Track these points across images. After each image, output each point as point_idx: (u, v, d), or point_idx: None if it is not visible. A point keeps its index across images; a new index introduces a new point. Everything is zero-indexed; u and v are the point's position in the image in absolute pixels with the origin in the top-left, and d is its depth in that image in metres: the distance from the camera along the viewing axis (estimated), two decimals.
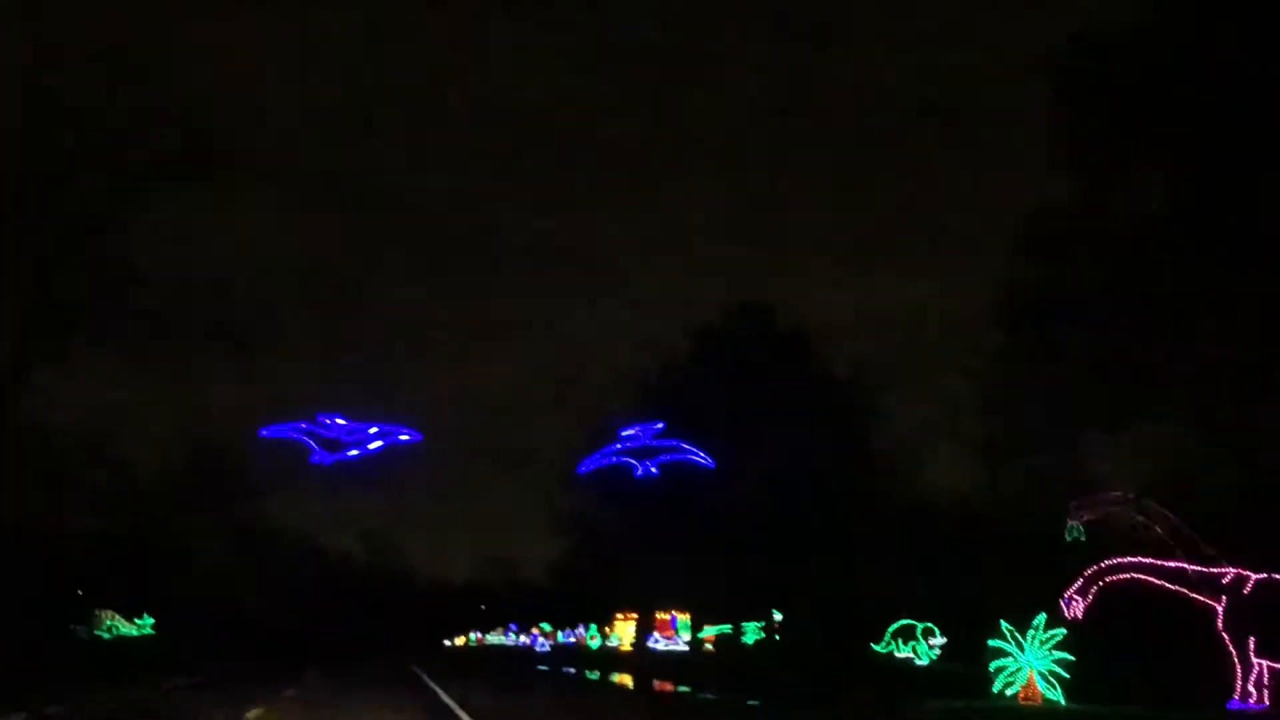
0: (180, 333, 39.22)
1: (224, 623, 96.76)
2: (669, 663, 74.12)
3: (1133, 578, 29.95)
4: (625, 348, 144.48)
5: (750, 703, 35.54)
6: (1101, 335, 33.26)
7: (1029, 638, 31.26)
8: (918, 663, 59.80)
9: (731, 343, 61.08)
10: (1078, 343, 33.92)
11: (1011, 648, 31.52)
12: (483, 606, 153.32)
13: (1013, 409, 36.52)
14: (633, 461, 35.25)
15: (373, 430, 34.62)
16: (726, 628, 72.76)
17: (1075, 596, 30.19)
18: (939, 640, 61.02)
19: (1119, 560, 30.32)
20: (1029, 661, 31.18)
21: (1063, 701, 30.32)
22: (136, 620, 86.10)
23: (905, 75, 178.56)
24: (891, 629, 62.00)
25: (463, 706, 25.86)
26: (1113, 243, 33.44)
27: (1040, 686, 30.90)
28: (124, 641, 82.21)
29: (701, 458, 37.16)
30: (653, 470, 35.21)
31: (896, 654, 61.38)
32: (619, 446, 35.79)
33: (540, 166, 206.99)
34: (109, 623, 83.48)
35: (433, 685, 38.83)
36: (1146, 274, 32.24)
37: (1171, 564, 29.58)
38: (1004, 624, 31.72)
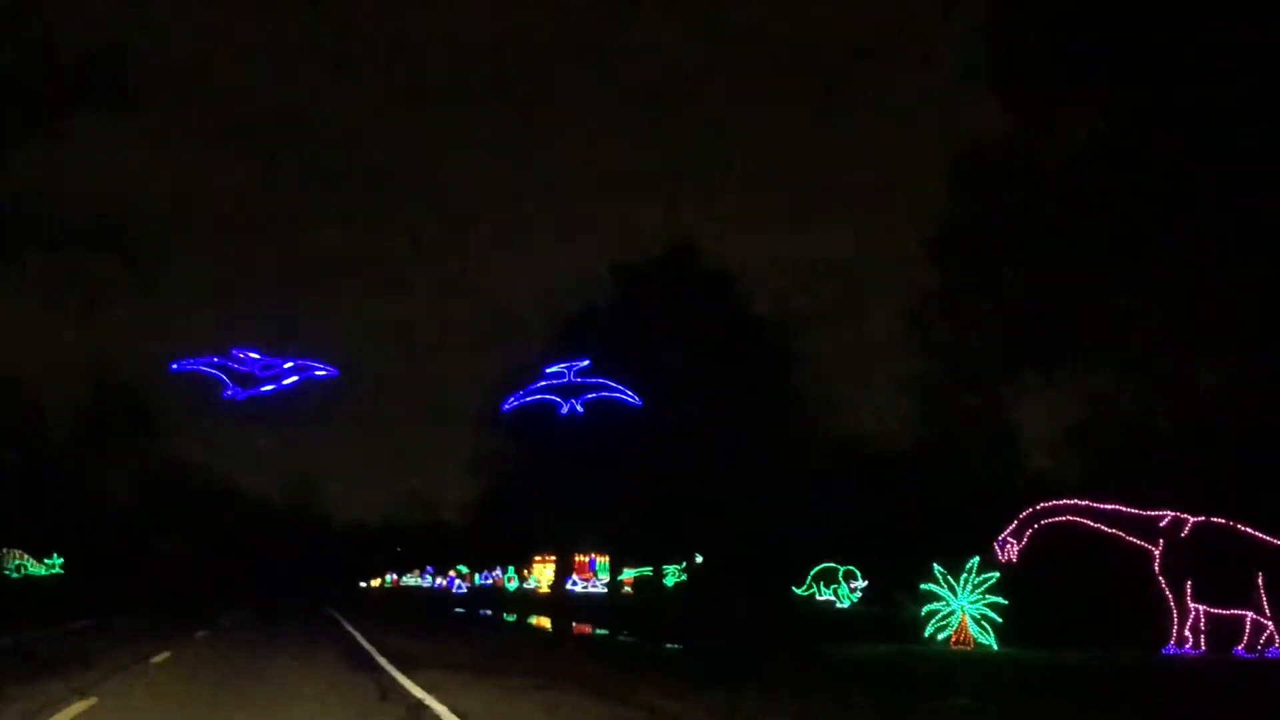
0: (88, 266, 37.29)
1: (137, 563, 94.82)
2: (587, 605, 73.41)
3: (1068, 520, 29.35)
4: (547, 289, 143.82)
5: (669, 647, 34.52)
6: (1034, 274, 32.48)
7: (961, 581, 30.53)
8: (839, 606, 59.60)
9: (655, 282, 59.89)
10: (1010, 281, 33.14)
11: (944, 591, 30.78)
12: (399, 549, 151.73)
13: (946, 349, 35.59)
14: (558, 399, 34.17)
15: (288, 365, 33.29)
16: (647, 570, 71.92)
17: (1009, 539, 29.54)
18: (860, 583, 60.80)
19: (1054, 503, 29.73)
20: (961, 605, 30.46)
21: (995, 646, 29.64)
22: (45, 560, 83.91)
23: (830, 18, 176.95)
24: (813, 572, 61.67)
25: (381, 651, 24.64)
26: (1046, 180, 32.62)
27: (973, 631, 30.23)
28: (31, 581, 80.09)
29: (628, 396, 36.13)
30: (578, 408, 34.14)
31: (818, 597, 61.19)
32: (544, 384, 34.63)
33: (463, 108, 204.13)
34: (16, 562, 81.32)
35: (350, 628, 37.53)
36: (1079, 212, 31.48)
37: (1108, 507, 29.00)
38: (936, 567, 30.97)
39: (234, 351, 33.08)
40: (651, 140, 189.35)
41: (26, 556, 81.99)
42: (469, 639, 33.25)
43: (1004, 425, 40.48)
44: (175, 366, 33.70)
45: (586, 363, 35.08)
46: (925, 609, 31.08)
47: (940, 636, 30.66)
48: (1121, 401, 34.30)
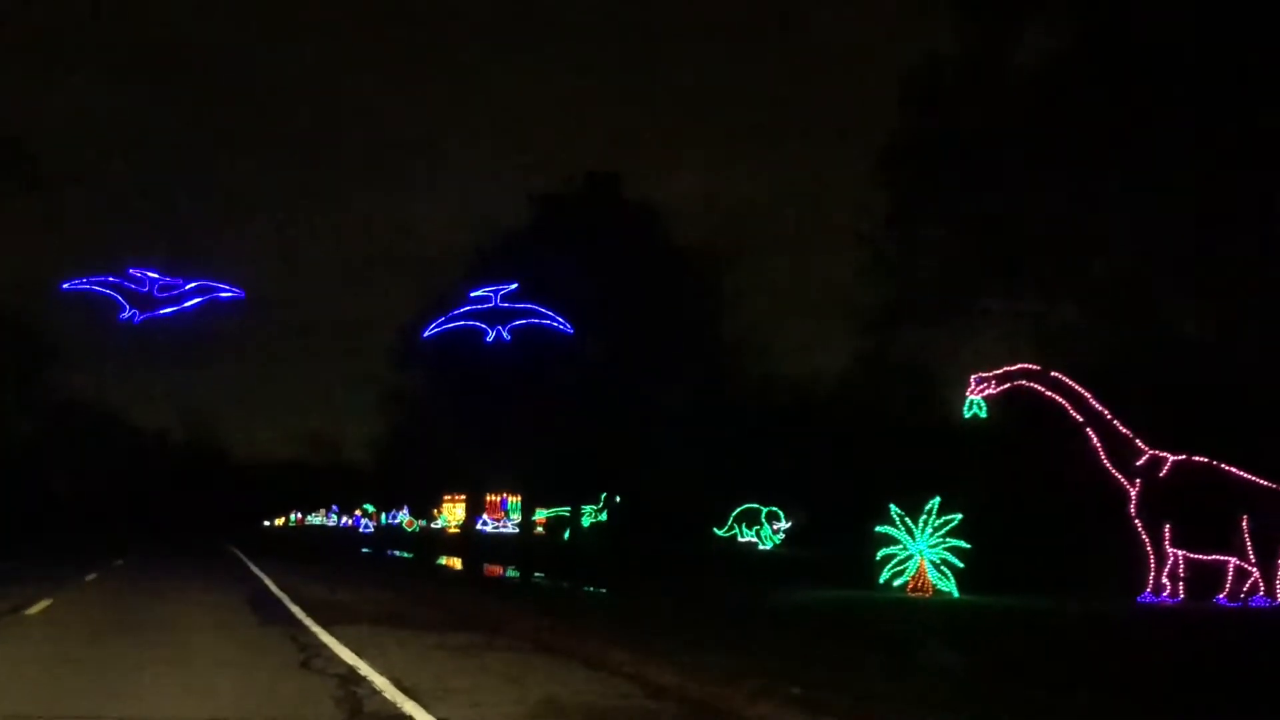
0: None
1: (29, 503, 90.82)
2: (500, 546, 70.88)
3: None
4: (465, 222, 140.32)
5: (596, 590, 31.96)
6: (990, 195, 30.19)
7: (920, 523, 28.15)
8: (761, 548, 57.80)
9: (576, 211, 57.11)
10: (967, 201, 30.86)
11: (900, 534, 28.39)
12: (303, 487, 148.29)
13: (897, 275, 33.16)
14: (483, 325, 31.27)
15: (190, 286, 30.04)
16: (563, 510, 69.27)
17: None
18: (783, 525, 58.90)
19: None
20: (920, 550, 28.11)
21: (956, 593, 27.36)
22: None
23: None
24: (734, 513, 59.72)
25: (295, 600, 21.83)
26: (1004, 95, 30.44)
27: (932, 577, 27.88)
28: None
29: (559, 323, 33.27)
30: (504, 335, 31.28)
31: (739, 538, 59.35)
32: (468, 309, 31.73)
33: (380, 41, 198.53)
34: None
35: (256, 571, 34.59)
36: (1040, 130, 29.35)
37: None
38: (893, 508, 28.54)
39: (130, 271, 29.79)
40: (581, 74, 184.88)
41: None
42: (388, 584, 30.36)
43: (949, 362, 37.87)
44: (66, 286, 30.30)
45: (514, 286, 32.16)
46: (881, 553, 28.65)
47: (896, 583, 28.30)
48: (1087, 335, 31.99)
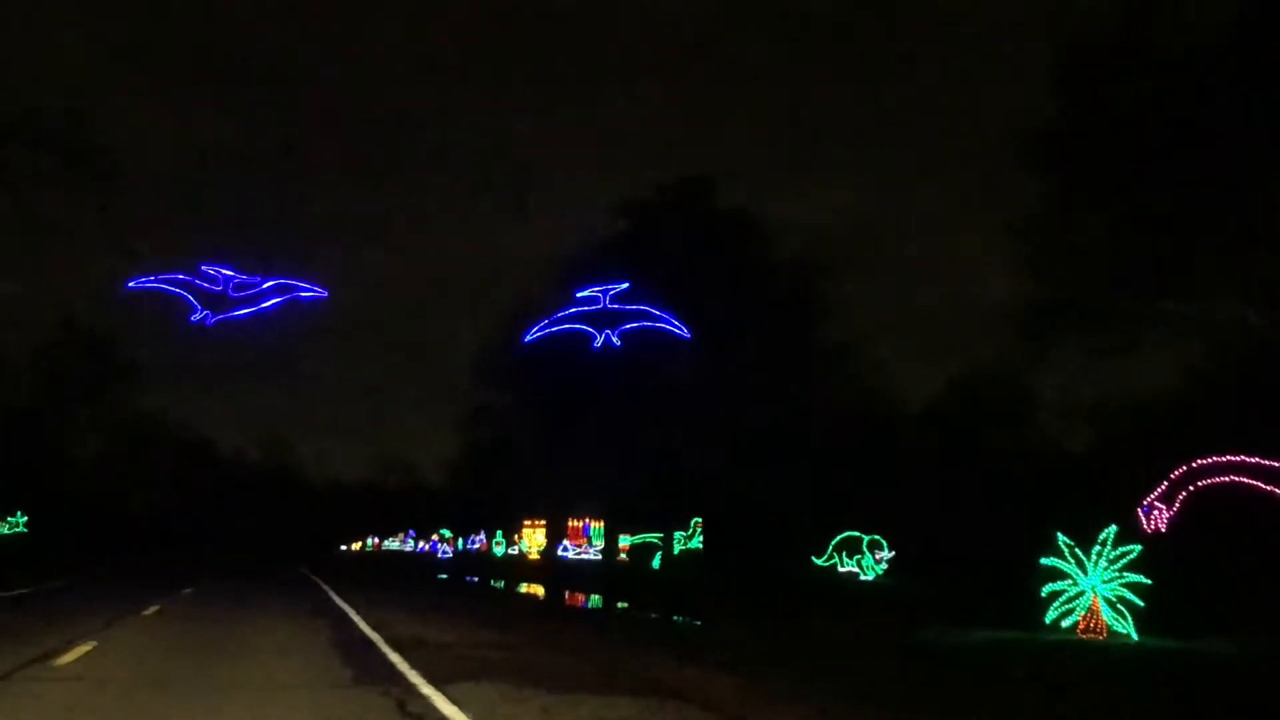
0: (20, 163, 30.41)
1: (105, 523, 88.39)
2: (583, 573, 67.27)
3: (1231, 480, 23.01)
4: (554, 239, 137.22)
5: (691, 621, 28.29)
6: (1159, 183, 26.38)
7: (1093, 556, 24.25)
8: (862, 578, 54.02)
9: (669, 218, 53.67)
10: (1130, 192, 27.03)
11: (1070, 567, 24.49)
12: (378, 510, 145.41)
13: (1044, 279, 29.30)
14: (590, 329, 27.73)
15: (269, 284, 26.67)
16: (651, 536, 65.49)
17: (1158, 504, 23.27)
18: (886, 554, 55.00)
19: (1214, 460, 23.31)
20: (1093, 585, 24.20)
21: (1134, 635, 23.44)
22: (9, 518, 77.10)
23: None
24: (834, 541, 55.90)
25: (390, 643, 18.14)
26: (1161, 72, 26.70)
27: (1106, 616, 23.96)
28: None
29: (675, 326, 29.60)
30: (614, 340, 27.72)
31: (839, 568, 55.53)
32: (574, 310, 28.22)
33: (468, 61, 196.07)
34: None
35: (340, 603, 31.07)
36: (1200, 109, 25.54)
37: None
38: (1061, 538, 24.64)
39: (203, 268, 26.46)
40: (669, 89, 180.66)
41: None
42: (487, 618, 26.78)
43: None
44: (132, 284, 26.97)
45: (625, 285, 28.52)
46: (1047, 588, 24.75)
47: (1065, 623, 24.41)
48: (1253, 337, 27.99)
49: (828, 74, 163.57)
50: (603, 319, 27.44)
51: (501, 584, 59.06)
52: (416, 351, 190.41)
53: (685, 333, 30.08)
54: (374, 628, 21.09)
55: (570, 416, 56.33)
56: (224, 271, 26.38)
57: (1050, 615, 24.56)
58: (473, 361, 67.49)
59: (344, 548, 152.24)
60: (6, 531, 75.63)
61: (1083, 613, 24.29)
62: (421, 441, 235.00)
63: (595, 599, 45.85)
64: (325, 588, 40.73)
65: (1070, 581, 24.47)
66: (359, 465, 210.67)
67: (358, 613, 25.69)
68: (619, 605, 42.37)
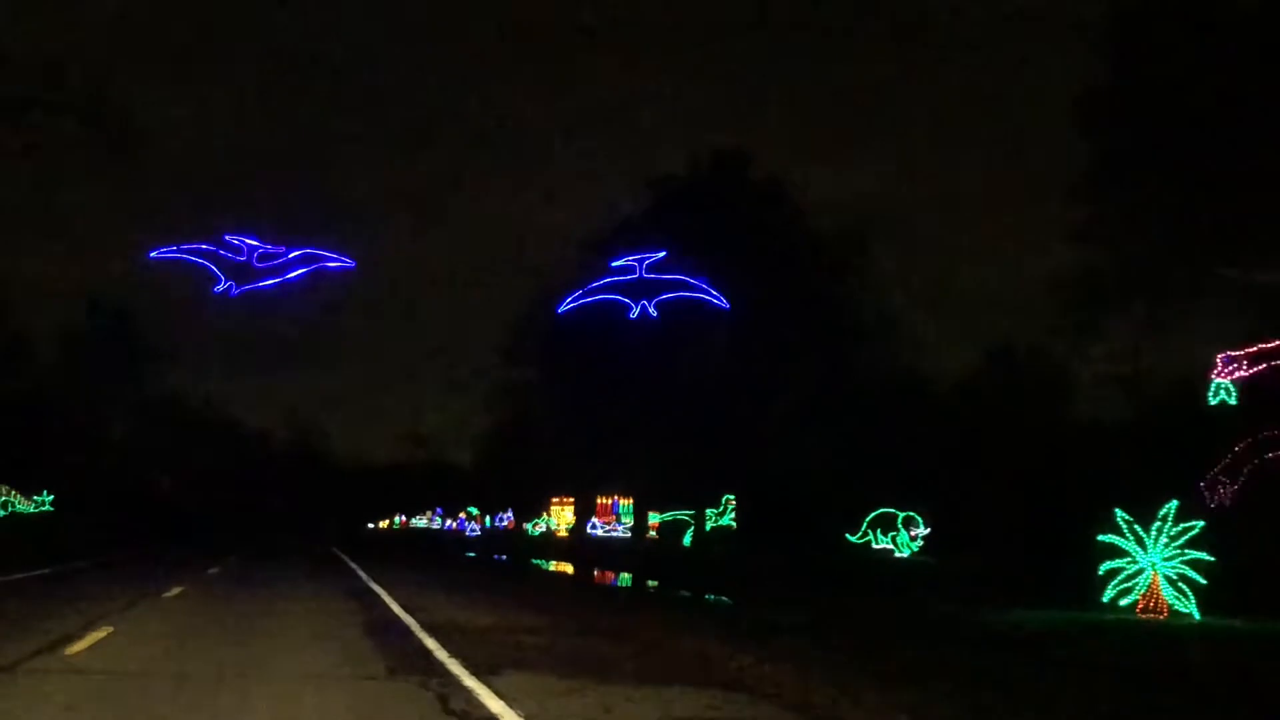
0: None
1: (132, 502, 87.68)
2: (612, 551, 66.33)
3: None
4: (584, 216, 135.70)
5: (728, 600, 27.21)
6: (1206, 144, 25.11)
7: (1153, 532, 23.16)
8: (897, 555, 53.03)
9: (701, 191, 52.46)
10: (1178, 155, 25.78)
11: (1129, 544, 23.40)
12: (406, 489, 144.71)
13: (1100, 245, 28.03)
14: (626, 299, 26.57)
15: (294, 254, 25.57)
16: (683, 514, 64.47)
17: (1222, 478, 22.07)
18: (921, 530, 53.88)
19: None
20: (1153, 563, 23.11)
21: (1197, 615, 22.41)
22: (35, 496, 76.41)
23: None
24: (869, 517, 54.79)
25: (427, 628, 17.08)
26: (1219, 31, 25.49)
27: (1167, 595, 22.89)
28: (20, 519, 72.69)
29: (713, 296, 28.42)
30: (651, 310, 26.56)
31: (874, 545, 54.45)
32: (609, 280, 27.05)
33: (489, 41, 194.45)
34: (4, 498, 73.80)
35: (370, 583, 30.12)
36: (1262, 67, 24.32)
37: None
38: (1119, 514, 23.55)
39: (227, 238, 25.38)
40: (702, 67, 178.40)
41: (14, 493, 74.42)
42: (524, 598, 25.80)
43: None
44: (154, 254, 25.86)
45: (662, 254, 27.35)
46: (1105, 566, 23.66)
47: (1123, 602, 23.33)
48: None
49: (860, 46, 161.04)
50: (639, 289, 26.32)
51: (531, 562, 58.13)
52: (444, 329, 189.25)
53: (724, 303, 28.90)
54: (407, 610, 20.04)
55: (601, 391, 55.34)
56: (248, 241, 25.30)
57: (1108, 593, 23.53)
58: (502, 338, 66.70)
59: (372, 526, 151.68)
60: (33, 510, 74.99)
61: (1142, 591, 23.26)
62: (449, 419, 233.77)
63: (625, 578, 44.93)
64: (355, 566, 39.79)
65: (1129, 559, 23.41)
66: (387, 443, 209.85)
67: (389, 593, 24.70)
68: (649, 584, 41.47)
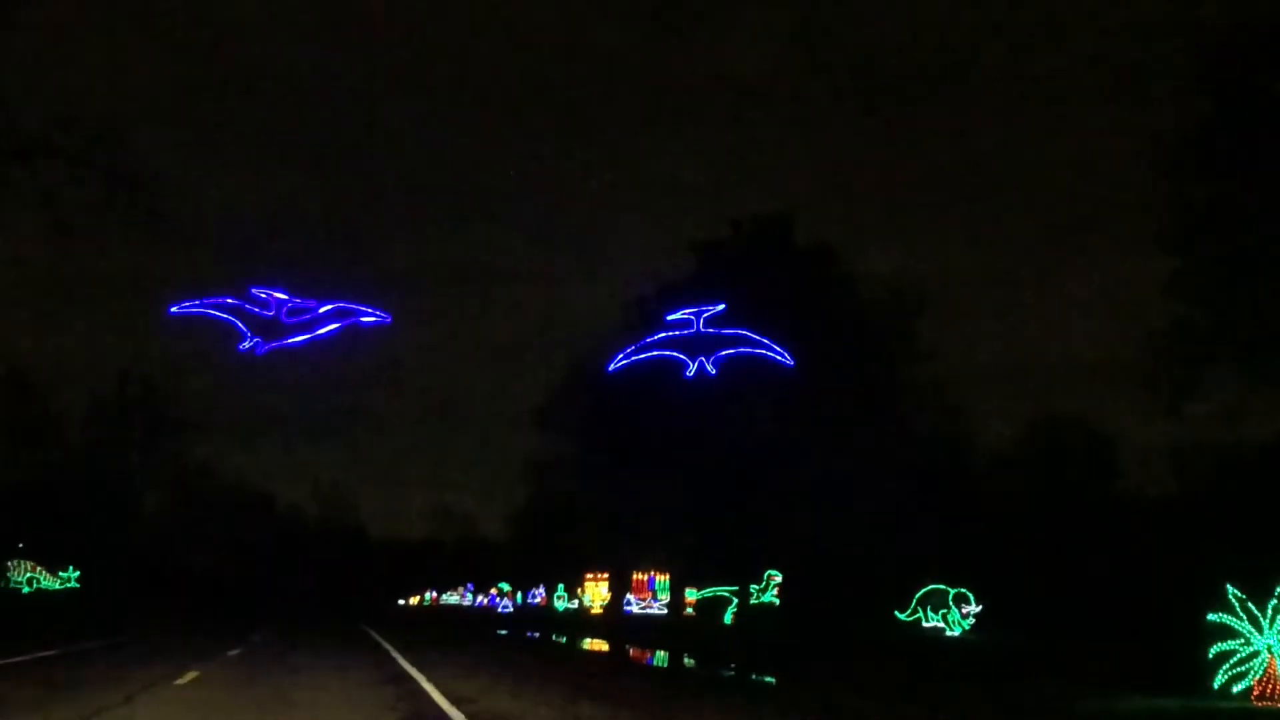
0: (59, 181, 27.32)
1: (161, 577, 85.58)
2: (649, 629, 63.68)
3: None
4: (618, 286, 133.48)
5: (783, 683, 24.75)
6: None
7: (1269, 611, 20.75)
8: (949, 634, 50.37)
9: (742, 257, 50.45)
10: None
11: (1242, 624, 20.96)
12: (437, 564, 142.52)
13: (1193, 300, 25.76)
14: (682, 356, 24.45)
15: (326, 309, 23.54)
16: (722, 589, 61.76)
17: None
18: (973, 608, 51.26)
19: None
20: (1269, 644, 20.68)
21: None
22: (61, 573, 74.44)
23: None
24: (919, 595, 52.19)
25: (458, 706, 14.68)
26: None
27: None
28: (45, 596, 70.70)
29: (777, 353, 26.21)
30: (709, 368, 24.43)
31: (924, 623, 51.81)
32: (663, 336, 24.93)
33: (534, 110, 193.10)
34: (28, 575, 71.87)
35: (408, 667, 27.71)
36: None
37: None
38: (1231, 590, 21.13)
39: (253, 291, 23.37)
40: (733, 138, 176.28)
41: (40, 569, 72.52)
42: (578, 685, 23.34)
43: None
44: (175, 309, 23.85)
45: (721, 307, 25.23)
46: (1215, 648, 21.21)
47: (1236, 688, 20.86)
48: None
49: (900, 114, 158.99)
50: (696, 345, 24.24)
51: (567, 640, 55.58)
52: (478, 403, 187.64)
53: (788, 360, 26.67)
54: (454, 702, 17.47)
55: (640, 462, 53.17)
56: (276, 295, 23.33)
57: (1219, 679, 21.04)
58: (537, 410, 64.69)
59: (402, 602, 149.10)
60: (58, 587, 73.06)
61: (1258, 676, 20.79)
62: (481, 495, 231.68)
63: (670, 658, 42.24)
64: (388, 647, 37.28)
65: (1242, 640, 20.97)
66: (418, 519, 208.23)
67: (430, 680, 22.27)
68: (701, 667, 38.86)
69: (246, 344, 23.32)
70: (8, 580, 70.03)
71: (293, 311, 23.34)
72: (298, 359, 24.84)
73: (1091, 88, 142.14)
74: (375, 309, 24.04)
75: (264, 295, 23.41)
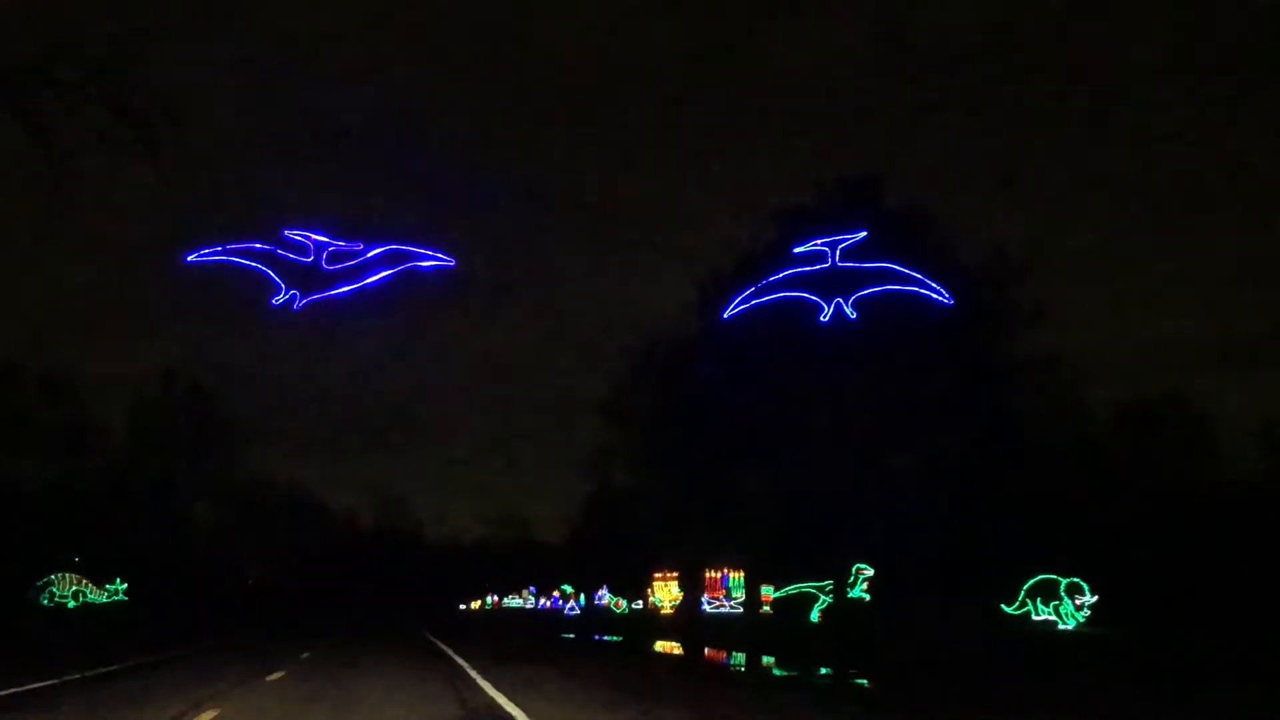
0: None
1: (212, 587, 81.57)
2: (728, 630, 58.95)
3: None
4: (689, 271, 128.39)
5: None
6: None
7: None
8: (1061, 627, 46.26)
9: (828, 222, 45.80)
10: None
11: None
12: (497, 567, 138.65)
13: None
14: (814, 297, 19.77)
15: (376, 252, 18.89)
16: (807, 586, 56.77)
17: None
18: (1087, 599, 46.90)
19: None
20: None
21: None
22: (107, 585, 70.35)
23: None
24: (1027, 586, 47.90)
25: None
26: None
27: None
28: (90, 610, 66.67)
29: (935, 289, 21.34)
30: (848, 311, 19.74)
31: (1034, 616, 47.54)
32: (791, 273, 20.21)
33: (611, 115, 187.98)
34: (74, 588, 67.79)
35: (478, 678, 23.10)
36: None
37: None
38: None
39: (287, 234, 18.76)
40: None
41: (85, 582, 68.40)
42: (689, 703, 18.65)
43: None
44: (192, 258, 19.18)
45: (862, 235, 20.46)
46: None
47: None
48: None
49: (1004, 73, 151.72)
50: (831, 282, 19.54)
51: (645, 645, 50.71)
52: (536, 405, 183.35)
53: (947, 297, 21.74)
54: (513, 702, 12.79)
55: (716, 444, 48.78)
56: (315, 237, 18.74)
57: None
58: (604, 401, 60.35)
59: (463, 607, 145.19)
60: (105, 600, 69.03)
61: None
62: (540, 496, 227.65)
63: (777, 668, 36.77)
64: (455, 658, 32.46)
65: None
66: (476, 523, 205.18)
67: (509, 698, 17.60)
68: (810, 672, 33.82)
69: (281, 297, 18.78)
70: (52, 595, 66.04)
71: (336, 256, 18.77)
72: (343, 315, 20.13)
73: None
74: (436, 251, 19.34)
75: (300, 238, 18.81)
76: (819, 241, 20.10)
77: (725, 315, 22.92)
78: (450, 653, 35.66)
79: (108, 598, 69.66)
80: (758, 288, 21.21)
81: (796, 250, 20.65)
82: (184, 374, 76.71)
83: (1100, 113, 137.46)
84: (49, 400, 65.12)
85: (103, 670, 24.44)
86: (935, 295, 21.26)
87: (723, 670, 32.33)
